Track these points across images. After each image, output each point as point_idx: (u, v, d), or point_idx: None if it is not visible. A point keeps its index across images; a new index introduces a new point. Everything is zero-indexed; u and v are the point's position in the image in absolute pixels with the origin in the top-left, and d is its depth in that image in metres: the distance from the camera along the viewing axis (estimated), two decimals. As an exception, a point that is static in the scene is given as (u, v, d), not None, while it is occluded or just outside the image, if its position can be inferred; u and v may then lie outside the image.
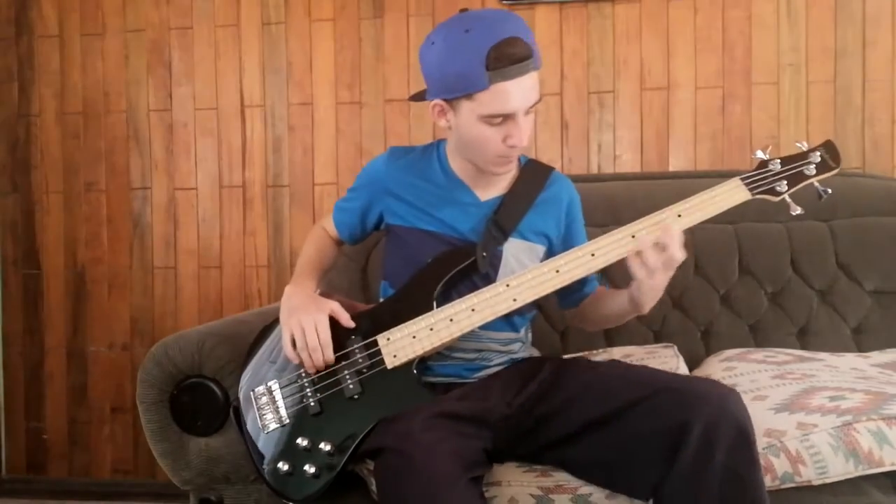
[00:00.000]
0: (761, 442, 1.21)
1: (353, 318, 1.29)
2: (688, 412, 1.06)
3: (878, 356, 1.59)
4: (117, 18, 2.30)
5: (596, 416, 1.14)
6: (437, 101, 1.24)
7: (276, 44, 2.23)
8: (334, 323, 1.26)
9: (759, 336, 1.77)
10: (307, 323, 1.22)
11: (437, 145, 1.40)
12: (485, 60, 1.15)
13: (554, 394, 1.21)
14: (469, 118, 1.21)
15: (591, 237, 1.42)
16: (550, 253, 1.35)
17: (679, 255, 1.14)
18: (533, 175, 1.37)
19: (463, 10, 1.25)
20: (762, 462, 1.19)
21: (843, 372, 1.45)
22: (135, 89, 2.30)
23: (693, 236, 1.65)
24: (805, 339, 1.75)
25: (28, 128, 2.35)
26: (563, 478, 1.19)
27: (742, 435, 1.06)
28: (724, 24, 2.06)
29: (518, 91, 1.18)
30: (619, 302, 1.29)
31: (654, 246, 1.14)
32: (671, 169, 2.09)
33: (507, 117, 1.20)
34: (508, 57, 1.15)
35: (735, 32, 2.05)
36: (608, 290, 1.39)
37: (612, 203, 1.82)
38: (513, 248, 1.32)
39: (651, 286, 1.17)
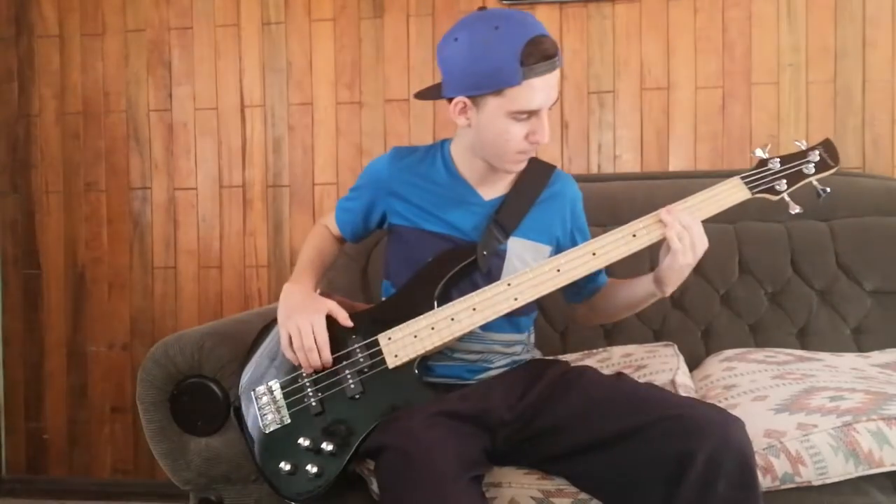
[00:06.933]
0: (761, 442, 1.21)
1: (354, 317, 1.29)
2: (691, 441, 1.05)
3: (878, 356, 1.59)
4: (117, 18, 2.30)
5: (599, 436, 1.13)
6: (460, 98, 1.24)
7: (276, 44, 2.23)
8: (334, 322, 1.25)
9: (759, 336, 1.77)
10: (304, 324, 1.22)
11: (441, 145, 1.39)
12: (519, 57, 1.16)
13: (556, 406, 1.20)
14: (495, 114, 1.21)
15: (592, 237, 1.42)
16: (558, 252, 1.34)
17: (703, 237, 1.18)
18: (535, 173, 1.37)
19: (481, 9, 1.26)
20: (762, 463, 1.19)
21: (843, 372, 1.45)
22: (135, 89, 2.30)
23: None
24: (805, 339, 1.75)
25: (28, 128, 2.34)
26: (564, 481, 1.19)
27: (744, 466, 1.05)
28: (724, 24, 2.06)
29: (546, 88, 1.20)
30: (641, 287, 1.29)
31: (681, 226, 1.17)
32: (671, 169, 2.08)
33: (532, 113, 1.21)
34: (541, 53, 1.17)
35: (735, 32, 2.05)
36: (623, 280, 1.38)
37: (613, 203, 1.82)
38: (517, 248, 1.32)
39: (681, 265, 1.18)
